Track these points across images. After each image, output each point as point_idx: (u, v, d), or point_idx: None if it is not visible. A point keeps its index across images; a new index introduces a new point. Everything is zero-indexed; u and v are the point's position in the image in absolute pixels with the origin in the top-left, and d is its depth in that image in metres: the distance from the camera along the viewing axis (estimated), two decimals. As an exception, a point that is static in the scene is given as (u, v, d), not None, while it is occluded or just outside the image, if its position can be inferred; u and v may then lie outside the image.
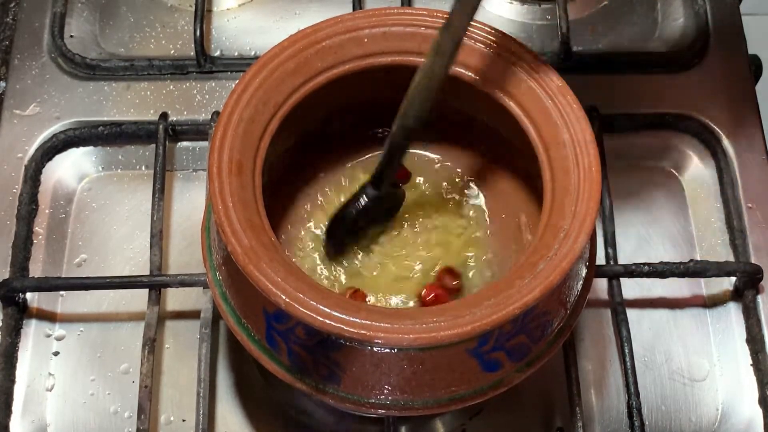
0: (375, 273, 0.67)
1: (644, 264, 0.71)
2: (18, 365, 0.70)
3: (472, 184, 0.71)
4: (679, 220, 0.77)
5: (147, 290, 0.70)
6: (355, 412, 0.66)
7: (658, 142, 0.80)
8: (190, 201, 0.77)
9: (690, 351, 0.72)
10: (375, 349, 0.56)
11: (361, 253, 0.67)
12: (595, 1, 0.87)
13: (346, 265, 0.67)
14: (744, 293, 0.73)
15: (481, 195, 0.70)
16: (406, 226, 0.69)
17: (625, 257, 0.74)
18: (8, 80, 0.81)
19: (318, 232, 0.69)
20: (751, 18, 0.93)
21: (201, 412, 0.66)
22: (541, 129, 0.60)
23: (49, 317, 0.72)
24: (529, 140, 0.61)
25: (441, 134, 0.71)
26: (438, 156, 0.72)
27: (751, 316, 0.72)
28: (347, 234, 0.67)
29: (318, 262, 0.68)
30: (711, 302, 0.74)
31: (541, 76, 0.61)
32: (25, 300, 0.72)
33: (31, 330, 0.72)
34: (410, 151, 0.65)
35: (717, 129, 0.80)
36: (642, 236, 0.76)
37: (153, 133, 0.77)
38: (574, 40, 0.82)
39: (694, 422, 0.70)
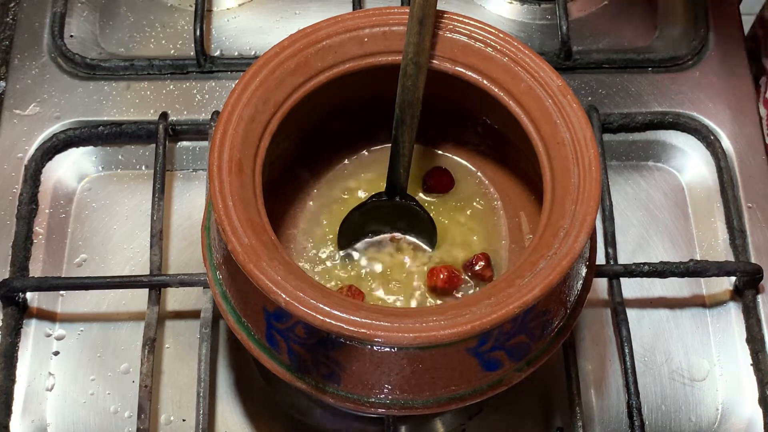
0: (377, 269, 0.67)
1: (644, 264, 0.71)
2: (18, 365, 0.70)
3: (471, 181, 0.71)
4: (679, 220, 0.77)
5: (147, 290, 0.70)
6: (355, 412, 0.66)
7: (658, 142, 0.80)
8: (190, 201, 0.77)
9: (690, 351, 0.72)
10: (375, 348, 0.56)
11: (366, 253, 0.68)
12: (595, 1, 0.87)
13: (349, 263, 0.67)
14: (744, 293, 0.73)
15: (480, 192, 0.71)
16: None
17: (625, 257, 0.74)
18: (8, 80, 0.81)
19: (318, 231, 0.69)
20: (751, 18, 0.93)
21: (201, 412, 0.66)
22: (541, 128, 0.60)
23: (49, 317, 0.72)
24: (529, 140, 0.61)
25: (441, 134, 0.71)
26: (440, 154, 0.72)
27: (751, 316, 0.72)
28: (357, 235, 0.68)
29: (318, 260, 0.68)
30: (711, 302, 0.74)
31: (541, 75, 0.61)
32: (25, 300, 0.72)
33: (31, 330, 0.72)
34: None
35: (717, 129, 0.80)
36: (642, 236, 0.76)
37: (153, 132, 0.77)
38: (574, 40, 0.82)
39: (694, 422, 0.70)
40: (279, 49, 0.61)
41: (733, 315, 0.74)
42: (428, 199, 0.70)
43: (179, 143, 0.79)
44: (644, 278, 0.72)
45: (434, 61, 0.62)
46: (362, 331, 0.52)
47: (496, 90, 0.62)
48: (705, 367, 0.72)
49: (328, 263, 0.68)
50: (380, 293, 0.66)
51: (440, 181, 0.70)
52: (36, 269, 0.73)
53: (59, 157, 0.78)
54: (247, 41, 0.84)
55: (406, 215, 0.67)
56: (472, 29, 0.63)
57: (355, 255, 0.68)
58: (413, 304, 0.66)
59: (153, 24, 0.85)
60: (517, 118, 0.61)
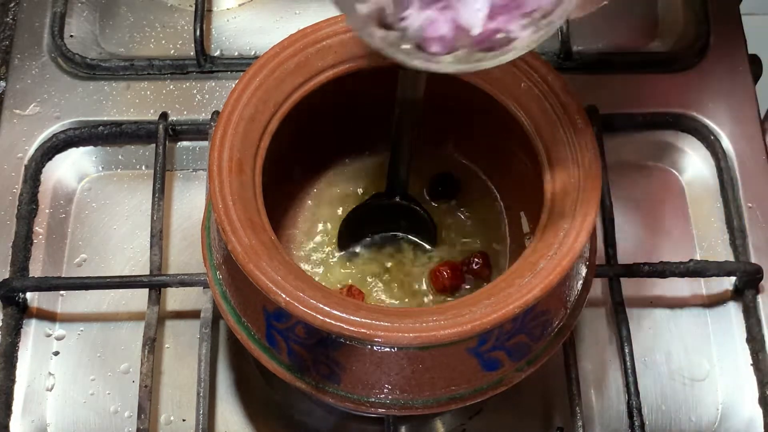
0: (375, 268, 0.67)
1: (644, 264, 0.71)
2: (18, 365, 0.70)
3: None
4: (679, 220, 0.77)
5: (147, 290, 0.70)
6: (355, 412, 0.65)
7: (658, 142, 0.80)
8: (190, 201, 0.77)
9: (690, 351, 0.72)
10: (375, 347, 0.56)
11: (366, 253, 0.68)
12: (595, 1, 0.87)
13: (349, 263, 0.68)
14: (744, 293, 0.73)
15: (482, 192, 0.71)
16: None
17: (625, 257, 0.74)
18: (8, 80, 0.81)
19: (318, 231, 0.69)
20: (751, 18, 0.93)
21: (201, 412, 0.66)
22: (541, 128, 0.60)
23: (49, 317, 0.72)
24: (529, 140, 0.61)
25: (441, 134, 0.71)
26: (441, 155, 0.72)
27: (751, 316, 0.72)
28: (357, 235, 0.68)
29: (318, 260, 0.68)
30: (711, 302, 0.74)
31: (541, 75, 0.61)
32: (25, 300, 0.72)
33: (31, 330, 0.72)
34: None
35: (717, 129, 0.80)
36: (642, 236, 0.76)
37: (153, 132, 0.77)
38: (574, 40, 0.82)
39: (694, 422, 0.70)
40: (279, 49, 0.62)
41: (733, 315, 0.74)
42: (435, 204, 0.70)
43: (179, 143, 0.79)
44: (644, 278, 0.72)
45: (434, 61, 0.62)
46: (362, 331, 0.52)
47: (496, 90, 0.62)
48: (705, 367, 0.72)
49: (329, 263, 0.68)
50: (380, 293, 0.66)
51: (447, 187, 0.70)
52: (36, 269, 0.73)
53: (59, 157, 0.78)
54: (247, 41, 0.84)
55: (406, 215, 0.67)
56: (472, 29, 0.62)
57: (356, 255, 0.68)
58: (413, 303, 0.66)
59: (153, 24, 0.85)
60: (517, 118, 0.61)
